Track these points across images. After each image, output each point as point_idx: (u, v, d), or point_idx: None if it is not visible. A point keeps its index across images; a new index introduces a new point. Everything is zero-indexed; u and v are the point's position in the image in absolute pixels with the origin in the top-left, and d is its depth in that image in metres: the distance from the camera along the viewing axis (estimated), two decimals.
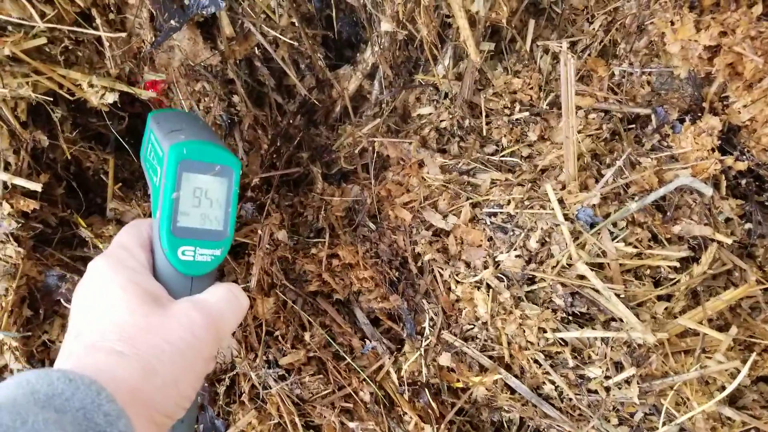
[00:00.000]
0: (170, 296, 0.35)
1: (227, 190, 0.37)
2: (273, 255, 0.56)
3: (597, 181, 0.49)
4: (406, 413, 0.49)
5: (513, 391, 0.48)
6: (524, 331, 0.47)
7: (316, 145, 0.62)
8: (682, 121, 0.53)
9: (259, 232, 0.57)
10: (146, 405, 0.28)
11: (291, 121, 0.60)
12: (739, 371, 0.42)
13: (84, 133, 0.57)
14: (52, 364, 0.54)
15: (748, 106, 0.51)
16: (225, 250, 0.38)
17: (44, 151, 0.54)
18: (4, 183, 0.48)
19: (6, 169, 0.49)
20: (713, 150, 0.50)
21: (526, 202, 0.49)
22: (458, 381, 0.49)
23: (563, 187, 0.49)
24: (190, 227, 0.36)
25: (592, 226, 0.47)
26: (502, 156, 0.55)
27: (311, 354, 0.51)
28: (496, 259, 0.49)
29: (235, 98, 0.59)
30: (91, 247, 0.55)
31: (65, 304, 0.53)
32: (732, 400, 0.45)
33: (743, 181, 0.53)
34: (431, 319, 0.51)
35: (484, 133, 0.56)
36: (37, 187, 0.48)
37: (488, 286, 0.49)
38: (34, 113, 0.51)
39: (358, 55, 0.61)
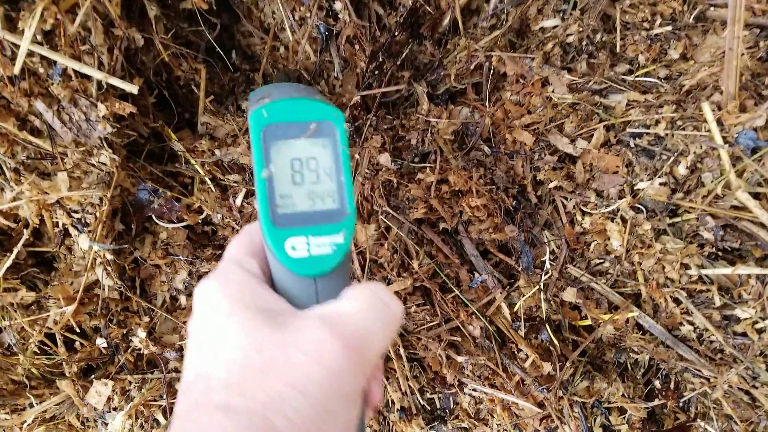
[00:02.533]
0: (294, 309, 0.28)
1: (333, 152, 0.29)
2: (374, 180, 0.55)
3: (757, 104, 0.46)
4: (521, 350, 0.48)
5: (644, 332, 0.46)
6: (664, 267, 0.45)
7: (420, 63, 0.59)
8: None
9: (357, 156, 0.56)
10: None
11: (393, 35, 0.57)
12: None
13: (174, 39, 0.56)
14: (142, 283, 0.55)
15: None
16: (349, 234, 0.30)
17: (137, 52, 0.53)
18: (99, 83, 0.48)
19: (100, 68, 0.48)
20: None
21: (678, 123, 0.46)
22: (584, 318, 0.48)
23: (719, 109, 0.46)
24: (294, 212, 0.29)
25: (754, 151, 0.44)
26: (637, 76, 0.52)
27: (417, 284, 0.51)
28: (635, 188, 0.46)
29: (338, 4, 0.56)
30: (183, 162, 0.54)
31: (156, 221, 0.53)
32: None
33: None
34: (552, 252, 0.50)
35: (618, 50, 0.52)
36: (133, 89, 0.47)
37: (623, 218, 0.47)
38: (126, 9, 0.50)
39: None
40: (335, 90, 0.60)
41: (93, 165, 0.48)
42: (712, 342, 0.44)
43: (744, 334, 0.43)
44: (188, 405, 0.24)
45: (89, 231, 0.48)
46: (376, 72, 0.56)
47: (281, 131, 0.28)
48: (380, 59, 0.56)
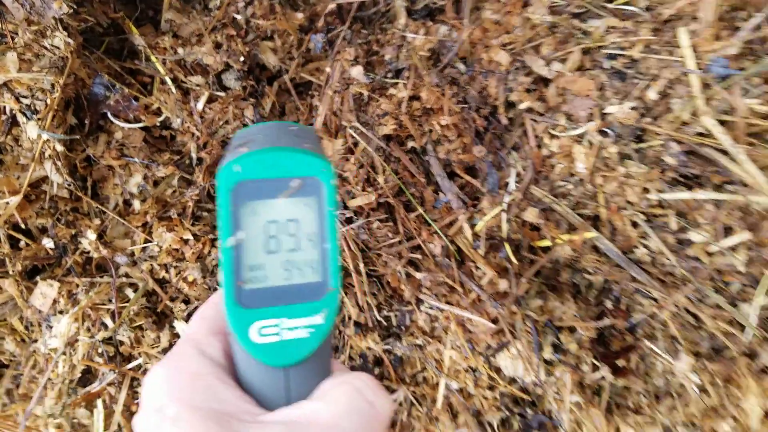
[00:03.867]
0: (256, 411, 0.25)
1: (318, 214, 0.26)
2: (344, 93, 0.55)
3: (732, 36, 0.48)
4: (479, 268, 0.50)
5: (600, 253, 0.49)
6: (625, 191, 0.47)
7: None
8: None
9: (327, 68, 0.56)
10: None
11: None
12: None
13: None
14: (94, 184, 0.54)
15: None
16: (331, 315, 0.26)
17: None
18: None
19: None
20: None
21: (654, 47, 0.47)
22: (542, 239, 0.50)
23: (695, 36, 0.47)
24: (266, 288, 0.26)
25: (723, 79, 0.46)
26: (618, 4, 0.53)
27: (382, 200, 0.52)
28: (605, 111, 0.48)
29: None
30: (143, 59, 0.53)
31: (112, 119, 0.52)
32: None
33: None
34: (518, 174, 0.51)
35: None
36: None
37: (590, 142, 0.48)
38: None
39: None
40: None
41: (45, 48, 0.46)
42: (664, 265, 0.47)
43: (696, 258, 0.46)
44: None
45: (39, 119, 0.47)
46: None
47: (256, 189, 0.25)
48: None
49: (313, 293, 0.25)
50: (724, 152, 0.44)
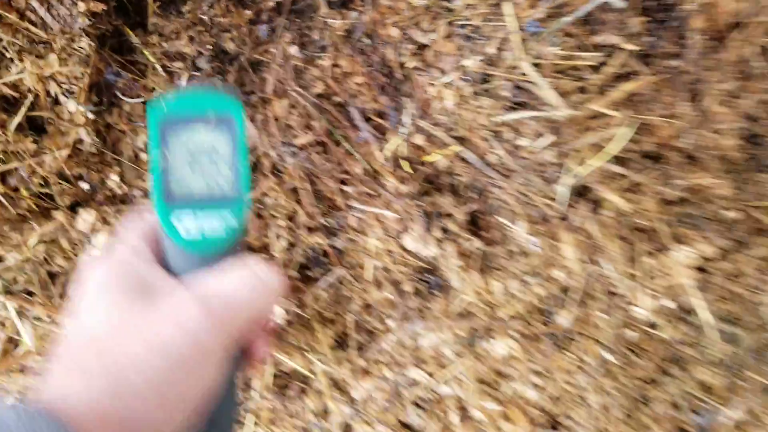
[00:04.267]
0: (172, 282, 0.32)
1: (231, 142, 0.34)
2: (286, 66, 0.77)
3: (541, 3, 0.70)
4: (387, 180, 0.73)
5: (466, 162, 0.72)
6: (478, 117, 0.70)
7: None
8: None
9: (272, 49, 0.78)
10: (120, 425, 0.25)
11: None
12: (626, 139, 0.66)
13: None
14: (113, 144, 0.76)
15: None
16: (241, 220, 0.34)
17: None
18: None
19: None
20: None
21: (491, 17, 0.70)
22: (428, 155, 0.73)
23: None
24: (189, 192, 0.33)
25: (535, 35, 0.69)
26: None
27: (318, 139, 0.75)
28: (462, 64, 0.71)
29: None
30: (138, 53, 0.75)
31: (121, 97, 0.74)
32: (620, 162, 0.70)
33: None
34: (411, 114, 0.74)
35: None
36: None
37: (456, 87, 0.71)
38: None
39: None
40: None
41: (75, 49, 0.68)
42: (505, 164, 0.70)
43: (524, 157, 0.69)
44: (51, 368, 0.27)
45: (75, 97, 0.69)
46: None
47: (181, 122, 0.32)
48: None
49: (228, 203, 0.33)
50: (537, 84, 0.68)
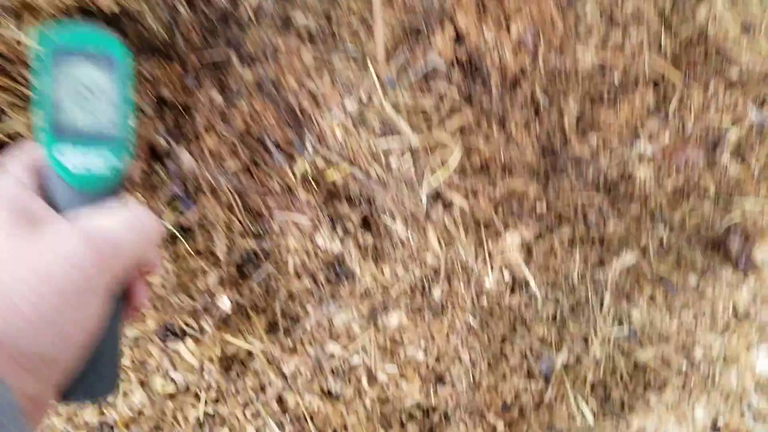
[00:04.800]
0: (57, 215, 0.34)
1: (114, 83, 0.37)
2: (212, 109, 1.06)
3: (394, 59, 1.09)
4: (299, 192, 1.05)
5: (356, 178, 1.06)
6: (362, 144, 1.06)
7: None
8: None
9: (200, 95, 1.06)
10: (8, 351, 0.28)
11: None
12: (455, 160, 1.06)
13: None
14: None
15: None
16: (123, 158, 0.38)
17: None
18: None
19: None
20: None
21: (361, 71, 1.07)
22: (327, 174, 1.06)
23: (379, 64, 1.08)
24: (75, 126, 0.36)
25: (393, 86, 1.07)
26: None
27: (244, 164, 1.04)
28: (344, 105, 1.06)
29: None
30: None
31: None
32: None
33: None
34: (312, 143, 1.07)
35: None
36: None
37: (340, 122, 1.06)
38: None
39: None
40: None
41: None
42: (382, 177, 1.06)
43: (395, 173, 1.05)
44: None
45: None
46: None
47: (68, 55, 0.35)
48: None
49: (112, 141, 0.37)
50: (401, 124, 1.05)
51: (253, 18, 1.07)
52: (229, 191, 1.01)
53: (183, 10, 1.01)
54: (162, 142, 1.01)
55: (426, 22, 1.06)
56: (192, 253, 0.96)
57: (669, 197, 1.31)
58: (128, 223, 0.35)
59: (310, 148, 1.06)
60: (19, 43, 0.82)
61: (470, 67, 1.08)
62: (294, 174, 1.05)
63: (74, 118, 0.36)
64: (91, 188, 0.36)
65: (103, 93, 0.37)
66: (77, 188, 0.36)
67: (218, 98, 1.06)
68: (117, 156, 0.37)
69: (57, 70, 0.35)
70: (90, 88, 0.36)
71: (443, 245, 1.07)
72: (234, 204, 1.00)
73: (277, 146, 1.07)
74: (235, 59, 1.07)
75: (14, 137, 0.87)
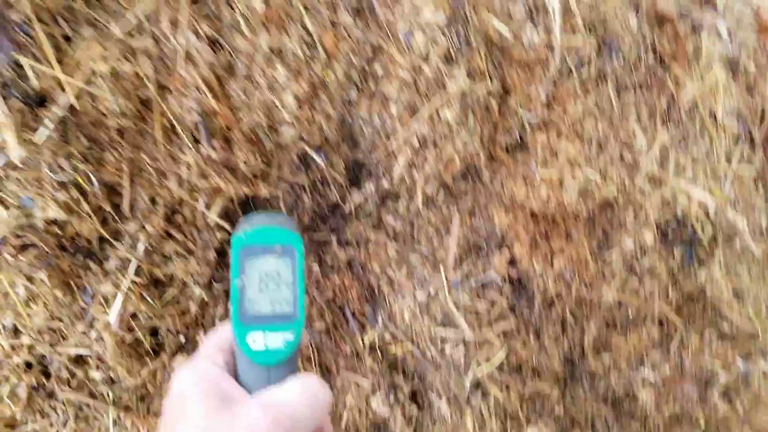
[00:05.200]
0: (247, 394, 0.41)
1: (292, 268, 0.43)
2: (311, 277, 1.29)
3: None
4: (365, 359, 1.24)
5: (414, 355, 1.26)
6: (424, 329, 1.27)
7: None
8: None
9: None
10: None
11: None
12: None
13: None
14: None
15: None
16: (297, 334, 0.44)
17: None
18: None
19: None
20: None
21: (435, 273, 1.33)
22: (391, 347, 1.26)
23: None
24: (257, 313, 0.43)
25: (457, 288, 1.31)
26: None
27: (326, 326, 1.24)
28: (415, 294, 1.30)
29: None
30: None
31: None
32: None
33: None
34: (383, 319, 1.29)
35: None
36: None
37: (410, 307, 1.29)
38: None
39: None
40: None
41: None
42: (436, 360, 1.26)
43: (448, 358, 1.26)
44: None
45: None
46: None
47: (254, 252, 0.43)
48: None
49: (287, 319, 0.43)
50: None
51: (354, 213, 1.36)
52: (311, 346, 1.21)
53: (306, 198, 1.30)
54: None
55: (488, 244, 1.34)
56: None
57: (666, 421, 1.49)
58: (304, 397, 0.41)
59: (380, 323, 1.28)
60: (195, 212, 1.09)
61: (519, 285, 1.34)
62: (363, 342, 1.25)
63: (258, 304, 0.43)
64: (270, 362, 0.43)
65: (283, 279, 0.44)
66: (258, 364, 0.42)
67: (316, 269, 1.30)
68: (294, 332, 0.44)
69: (247, 264, 0.43)
70: (273, 277, 0.43)
71: (477, 428, 1.24)
72: (312, 357, 1.20)
73: (354, 316, 1.29)
74: (335, 242, 1.34)
75: (173, 278, 1.10)
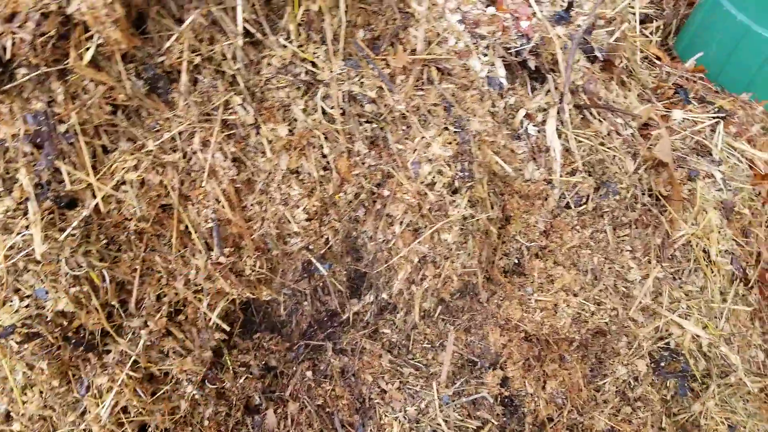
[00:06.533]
0: None
1: None
2: (302, 383, 1.28)
3: None
4: None
5: None
6: None
7: None
8: None
9: (295, 370, 1.30)
10: None
11: None
12: None
13: None
14: None
15: None
16: None
17: None
18: None
19: None
20: None
21: (427, 376, 1.31)
22: None
23: None
24: None
25: (448, 405, 1.29)
26: None
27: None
28: (406, 409, 1.28)
29: None
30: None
31: None
32: None
33: None
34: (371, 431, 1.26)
35: None
36: None
37: (402, 425, 1.27)
38: None
39: None
40: None
41: None
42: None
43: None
44: None
45: None
46: None
47: None
48: None
49: None
50: None
51: (351, 321, 1.37)
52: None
53: (306, 304, 1.32)
54: (256, 399, 1.23)
55: (482, 361, 1.33)
56: None
57: None
58: None
59: None
60: (197, 312, 1.12)
61: (510, 405, 1.31)
62: None
63: None
64: None
65: None
66: None
67: (309, 375, 1.30)
68: None
69: None
70: None
71: None
72: None
73: (343, 425, 1.27)
74: (330, 349, 1.34)
75: (167, 375, 1.10)
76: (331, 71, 1.11)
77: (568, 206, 1.38)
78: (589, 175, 1.38)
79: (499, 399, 1.32)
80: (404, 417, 1.26)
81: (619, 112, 1.41)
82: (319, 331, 1.34)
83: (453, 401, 1.29)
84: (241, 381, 1.21)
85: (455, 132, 1.19)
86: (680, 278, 1.51)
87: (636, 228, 1.44)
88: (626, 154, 1.44)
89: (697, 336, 1.47)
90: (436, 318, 1.38)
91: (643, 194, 1.46)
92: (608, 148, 1.41)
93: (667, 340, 1.47)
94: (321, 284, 1.31)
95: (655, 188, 1.47)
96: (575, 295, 1.35)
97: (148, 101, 1.01)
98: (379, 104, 1.15)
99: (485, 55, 1.28)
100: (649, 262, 1.45)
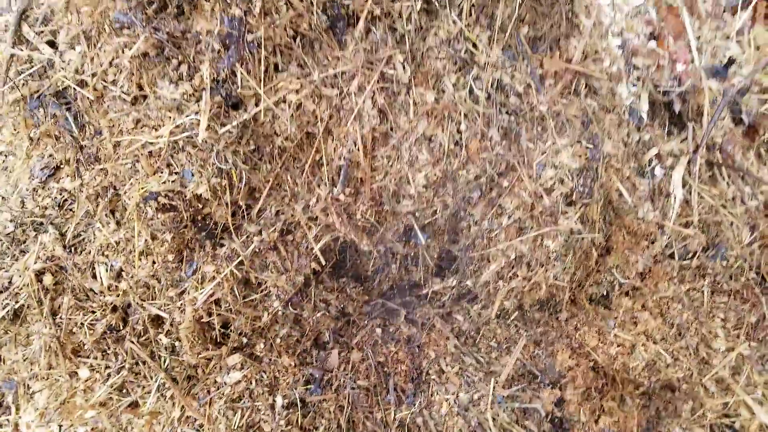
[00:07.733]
0: None
1: None
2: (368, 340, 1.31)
3: None
4: (391, 431, 1.21)
5: None
6: (455, 428, 1.23)
7: None
8: None
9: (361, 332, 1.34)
10: None
11: None
12: None
13: None
14: None
15: None
16: None
17: None
18: None
19: None
20: None
21: (478, 380, 1.30)
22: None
23: None
24: None
25: (500, 406, 1.28)
26: None
27: (368, 387, 1.24)
28: (459, 395, 1.28)
29: None
30: None
31: None
32: None
33: None
34: (420, 402, 1.27)
35: None
36: None
37: (450, 407, 1.27)
38: None
39: None
40: None
41: None
42: None
43: None
44: None
45: None
46: None
47: None
48: None
49: None
50: None
51: (429, 298, 1.39)
52: (347, 398, 1.21)
53: (394, 267, 1.35)
54: (326, 336, 1.27)
55: (543, 376, 1.31)
56: (300, 428, 1.12)
57: None
58: None
59: (417, 406, 1.26)
60: (305, 239, 1.17)
61: (560, 427, 1.28)
62: (395, 416, 1.23)
63: None
64: None
65: None
66: None
67: (378, 332, 1.33)
68: None
69: None
70: None
71: None
72: (346, 408, 1.19)
73: (396, 389, 1.28)
74: (403, 315, 1.37)
75: (261, 285, 1.17)
76: (488, 56, 1.15)
77: (672, 256, 1.35)
78: (702, 233, 1.34)
79: (549, 416, 1.29)
80: (455, 401, 1.26)
81: (751, 179, 1.36)
82: (398, 296, 1.37)
83: (506, 403, 1.27)
84: (318, 315, 1.26)
85: (587, 147, 1.19)
86: (763, 363, 1.42)
87: (734, 299, 1.37)
88: (745, 224, 1.38)
89: (766, 426, 1.37)
90: (511, 321, 1.37)
91: (751, 269, 1.39)
92: (729, 212, 1.36)
93: (733, 419, 1.38)
94: (413, 253, 1.34)
95: (764, 267, 1.40)
96: (655, 343, 1.31)
97: (324, 36, 1.09)
98: (523, 99, 1.18)
99: (634, 85, 1.28)
100: (738, 336, 1.38)
